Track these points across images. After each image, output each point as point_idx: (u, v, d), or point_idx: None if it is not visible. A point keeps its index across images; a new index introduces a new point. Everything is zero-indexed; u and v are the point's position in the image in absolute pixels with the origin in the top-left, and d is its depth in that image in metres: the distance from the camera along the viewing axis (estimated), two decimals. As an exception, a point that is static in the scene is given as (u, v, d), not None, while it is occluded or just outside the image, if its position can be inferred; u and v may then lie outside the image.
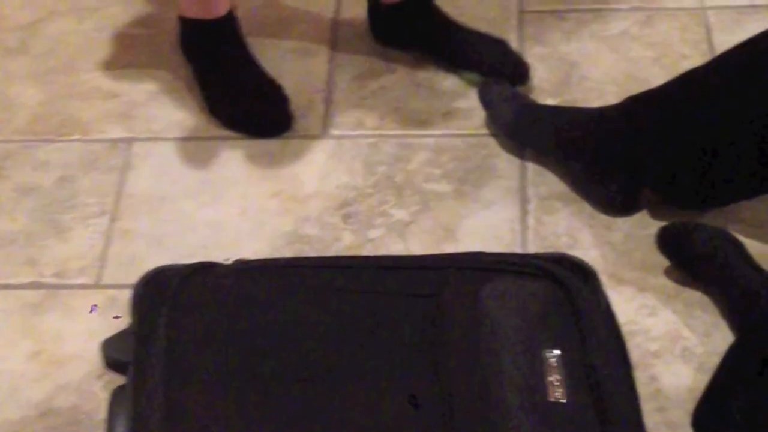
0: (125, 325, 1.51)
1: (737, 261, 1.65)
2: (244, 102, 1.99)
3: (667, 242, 1.71)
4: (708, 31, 2.08)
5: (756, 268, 1.65)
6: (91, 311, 1.74)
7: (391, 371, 1.41)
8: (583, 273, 1.51)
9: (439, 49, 2.04)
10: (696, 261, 1.68)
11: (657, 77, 1.99)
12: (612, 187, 1.79)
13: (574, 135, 1.81)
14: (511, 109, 1.89)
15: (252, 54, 2.03)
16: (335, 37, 2.12)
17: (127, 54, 2.14)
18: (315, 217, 1.85)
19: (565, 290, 1.44)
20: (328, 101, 2.02)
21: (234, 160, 1.94)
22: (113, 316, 1.72)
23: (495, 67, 2.00)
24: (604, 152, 1.78)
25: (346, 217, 1.84)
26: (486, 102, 1.93)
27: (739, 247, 1.67)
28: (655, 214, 1.80)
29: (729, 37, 2.04)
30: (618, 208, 1.80)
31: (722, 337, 1.62)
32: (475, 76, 2.01)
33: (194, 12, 1.99)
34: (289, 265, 1.58)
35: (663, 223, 1.75)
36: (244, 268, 1.55)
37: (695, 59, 2.02)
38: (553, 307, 1.43)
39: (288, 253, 1.79)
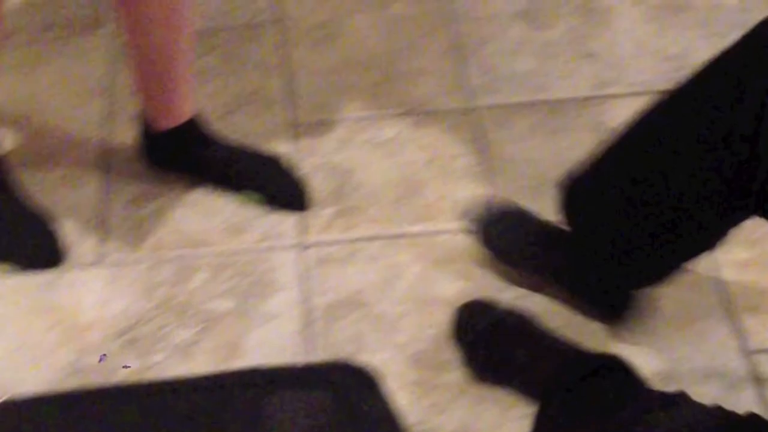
0: None
1: (534, 333, 1.67)
2: (14, 237, 1.93)
3: (460, 324, 1.72)
4: (480, 129, 2.12)
5: (551, 336, 1.67)
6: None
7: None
8: (365, 378, 1.49)
9: (214, 171, 2.03)
10: (492, 336, 1.69)
11: (432, 179, 2.03)
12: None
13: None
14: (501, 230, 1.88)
15: (20, 188, 1.98)
16: (107, 162, 2.09)
17: None
18: (96, 347, 1.79)
19: (345, 398, 1.42)
20: (103, 228, 1.98)
21: (7, 295, 1.87)
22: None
23: (276, 189, 2.01)
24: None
25: (128, 344, 1.79)
26: (480, 226, 1.89)
27: (531, 320, 1.69)
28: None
29: (501, 134, 2.09)
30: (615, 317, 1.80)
31: (512, 429, 1.63)
32: (254, 197, 2.00)
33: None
34: (65, 398, 1.52)
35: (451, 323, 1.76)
36: (14, 405, 1.49)
37: (468, 158, 2.05)
38: (334, 417, 1.41)
39: (69, 385, 1.73)
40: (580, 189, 1.65)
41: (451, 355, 1.74)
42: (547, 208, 1.97)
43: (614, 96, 2.16)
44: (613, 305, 1.79)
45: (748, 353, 1.74)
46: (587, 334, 1.76)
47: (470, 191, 2.01)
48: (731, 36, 2.23)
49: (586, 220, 1.65)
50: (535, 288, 1.83)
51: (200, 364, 1.76)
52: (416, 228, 1.96)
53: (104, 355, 1.81)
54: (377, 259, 1.92)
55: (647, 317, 1.78)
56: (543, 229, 1.84)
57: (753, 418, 1.45)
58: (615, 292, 1.78)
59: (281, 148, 2.09)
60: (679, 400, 1.51)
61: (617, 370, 1.59)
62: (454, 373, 1.72)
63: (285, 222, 1.98)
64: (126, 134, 2.11)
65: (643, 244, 1.59)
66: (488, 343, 1.69)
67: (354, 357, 1.74)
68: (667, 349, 1.76)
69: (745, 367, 1.72)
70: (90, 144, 2.12)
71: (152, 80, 1.94)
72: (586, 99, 2.16)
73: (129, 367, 1.78)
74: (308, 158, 2.08)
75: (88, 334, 1.81)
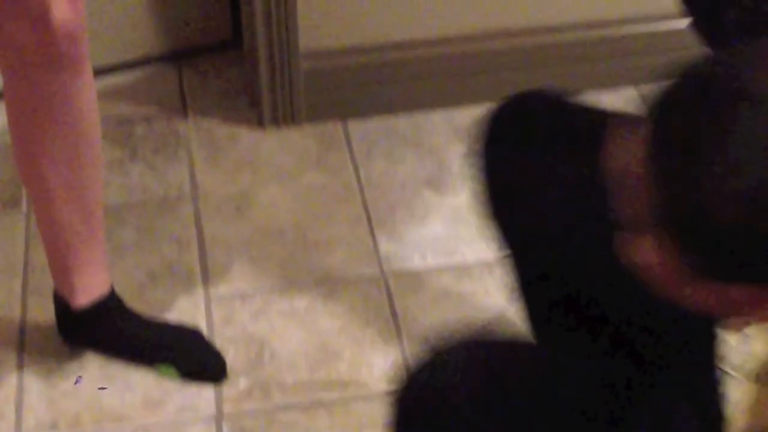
0: None
1: None
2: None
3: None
4: (389, 296, 2.17)
5: None
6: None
7: None
8: None
9: (130, 346, 2.05)
10: None
11: (345, 346, 2.07)
12: None
13: None
14: None
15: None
16: (23, 340, 2.10)
17: None
18: None
19: None
20: (19, 407, 1.98)
21: None
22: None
23: (191, 362, 2.04)
24: None
25: None
26: None
27: None
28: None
29: (411, 299, 2.15)
30: None
31: None
32: (171, 370, 2.03)
33: None
34: None
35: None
36: None
37: (380, 324, 2.10)
38: None
39: None
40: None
41: None
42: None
43: (520, 259, 2.23)
44: None
45: None
46: None
47: (383, 357, 2.05)
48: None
49: None
50: None
51: None
52: (332, 396, 1.99)
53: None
54: (294, 427, 1.94)
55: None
56: None
57: None
58: None
59: (196, 320, 2.12)
60: None
61: None
62: None
63: (202, 394, 2.01)
64: (42, 312, 2.12)
65: None
66: None
67: None
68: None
69: None
70: (5, 322, 2.14)
71: (63, 257, 1.96)
72: (494, 262, 2.22)
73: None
74: (223, 330, 2.11)
75: None
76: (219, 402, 1.99)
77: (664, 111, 0.95)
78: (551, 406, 1.37)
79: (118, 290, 2.04)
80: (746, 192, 0.89)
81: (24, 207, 2.36)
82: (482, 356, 1.41)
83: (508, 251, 1.59)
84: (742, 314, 0.99)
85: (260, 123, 2.56)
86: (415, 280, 2.21)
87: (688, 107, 0.94)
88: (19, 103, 1.81)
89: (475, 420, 1.34)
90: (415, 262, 2.24)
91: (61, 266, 1.99)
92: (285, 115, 2.55)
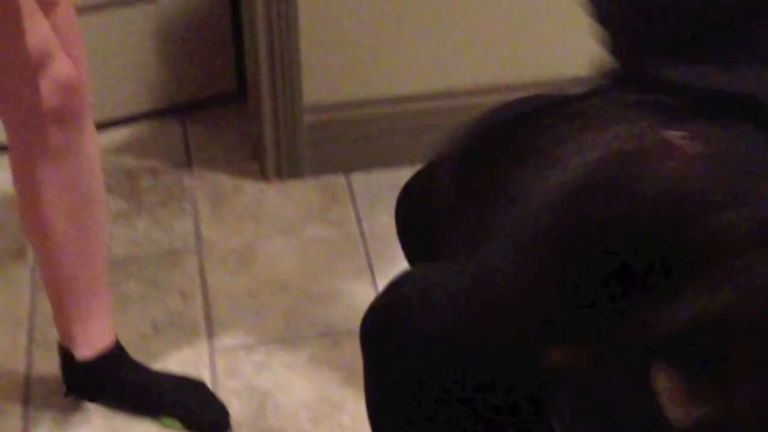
0: None
1: None
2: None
3: None
4: (392, 348, 2.18)
5: None
6: None
7: None
8: None
9: (134, 398, 2.06)
10: None
11: (348, 398, 2.08)
12: None
13: None
14: None
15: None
16: (27, 392, 2.12)
17: None
18: None
19: None
20: (24, 458, 2.00)
21: None
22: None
23: (195, 414, 2.05)
24: None
25: None
26: None
27: None
28: None
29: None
30: None
31: None
32: (175, 421, 2.03)
33: None
34: None
35: None
36: None
37: (382, 376, 2.11)
38: None
39: None
40: None
41: None
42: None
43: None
44: None
45: None
46: None
47: (386, 409, 2.06)
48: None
49: None
50: None
51: None
52: (334, 448, 2.00)
53: None
54: (297, 480, 1.95)
55: None
56: None
57: None
58: None
59: (200, 372, 2.13)
60: None
61: None
62: None
63: (205, 446, 2.02)
64: (47, 363, 2.14)
65: None
66: None
67: None
68: None
69: None
70: (11, 374, 2.15)
71: (68, 309, 1.98)
72: (495, 314, 2.24)
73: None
74: (227, 382, 2.12)
75: None
76: (222, 454, 2.00)
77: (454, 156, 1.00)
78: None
79: (123, 342, 2.06)
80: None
81: (29, 259, 2.37)
82: (444, 284, 1.44)
83: None
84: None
85: (264, 176, 2.59)
86: (417, 331, 2.21)
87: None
88: (22, 156, 1.84)
89: (436, 338, 1.38)
90: (418, 314, 2.25)
91: (65, 318, 2.00)
92: (289, 168, 2.57)
